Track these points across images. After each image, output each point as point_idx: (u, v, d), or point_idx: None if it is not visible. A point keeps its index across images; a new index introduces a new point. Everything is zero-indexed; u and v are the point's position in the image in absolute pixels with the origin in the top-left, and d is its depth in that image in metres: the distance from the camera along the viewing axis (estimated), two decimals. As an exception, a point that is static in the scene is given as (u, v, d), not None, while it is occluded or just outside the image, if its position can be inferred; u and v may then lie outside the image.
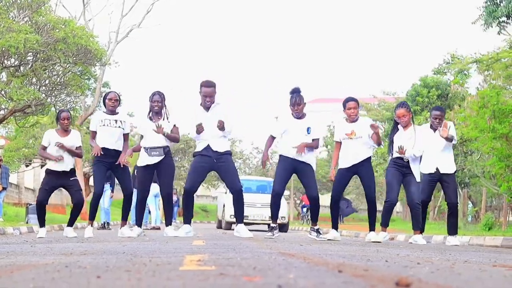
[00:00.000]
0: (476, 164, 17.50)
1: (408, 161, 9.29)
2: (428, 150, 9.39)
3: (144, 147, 9.27)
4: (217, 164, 8.93)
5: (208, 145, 8.89)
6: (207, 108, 8.91)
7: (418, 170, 9.43)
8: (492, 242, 9.81)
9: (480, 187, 20.25)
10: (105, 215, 17.20)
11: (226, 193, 19.35)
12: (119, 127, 9.41)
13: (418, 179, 9.39)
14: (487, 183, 16.43)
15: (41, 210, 9.72)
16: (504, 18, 15.14)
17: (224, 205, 20.16)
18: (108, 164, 9.37)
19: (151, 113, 9.31)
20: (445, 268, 3.88)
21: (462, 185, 22.23)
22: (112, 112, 9.48)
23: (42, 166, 30.61)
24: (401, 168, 9.35)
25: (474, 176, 19.40)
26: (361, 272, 3.33)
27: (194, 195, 9.12)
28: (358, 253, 5.57)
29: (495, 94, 11.43)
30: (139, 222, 9.68)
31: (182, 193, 9.20)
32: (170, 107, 9.42)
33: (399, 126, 9.45)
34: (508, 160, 11.88)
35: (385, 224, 9.47)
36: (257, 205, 19.57)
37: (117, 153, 9.40)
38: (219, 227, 21.28)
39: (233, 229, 9.35)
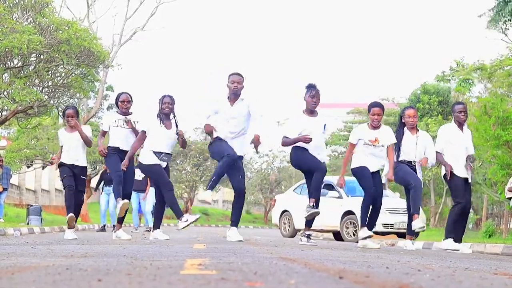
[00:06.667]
0: (478, 171, 17.47)
1: (415, 165, 9.31)
2: (458, 152, 9.32)
3: (154, 151, 9.03)
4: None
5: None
6: (233, 101, 8.77)
7: (421, 174, 9.46)
8: (492, 250, 9.79)
9: (481, 194, 20.23)
10: (107, 218, 17.27)
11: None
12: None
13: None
14: (488, 190, 16.40)
15: (70, 194, 9.57)
16: (509, 17, 15.11)
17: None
18: (120, 158, 9.35)
19: (160, 115, 9.08)
20: (446, 276, 3.88)
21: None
22: (125, 113, 9.50)
23: (43, 167, 30.60)
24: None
25: (475, 183, 19.37)
26: (362, 279, 3.33)
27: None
28: (359, 259, 5.57)
29: (499, 101, 11.41)
30: (157, 225, 9.49)
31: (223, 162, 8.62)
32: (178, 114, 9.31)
33: (405, 128, 9.40)
34: (509, 168, 11.86)
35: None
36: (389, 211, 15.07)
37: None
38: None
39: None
